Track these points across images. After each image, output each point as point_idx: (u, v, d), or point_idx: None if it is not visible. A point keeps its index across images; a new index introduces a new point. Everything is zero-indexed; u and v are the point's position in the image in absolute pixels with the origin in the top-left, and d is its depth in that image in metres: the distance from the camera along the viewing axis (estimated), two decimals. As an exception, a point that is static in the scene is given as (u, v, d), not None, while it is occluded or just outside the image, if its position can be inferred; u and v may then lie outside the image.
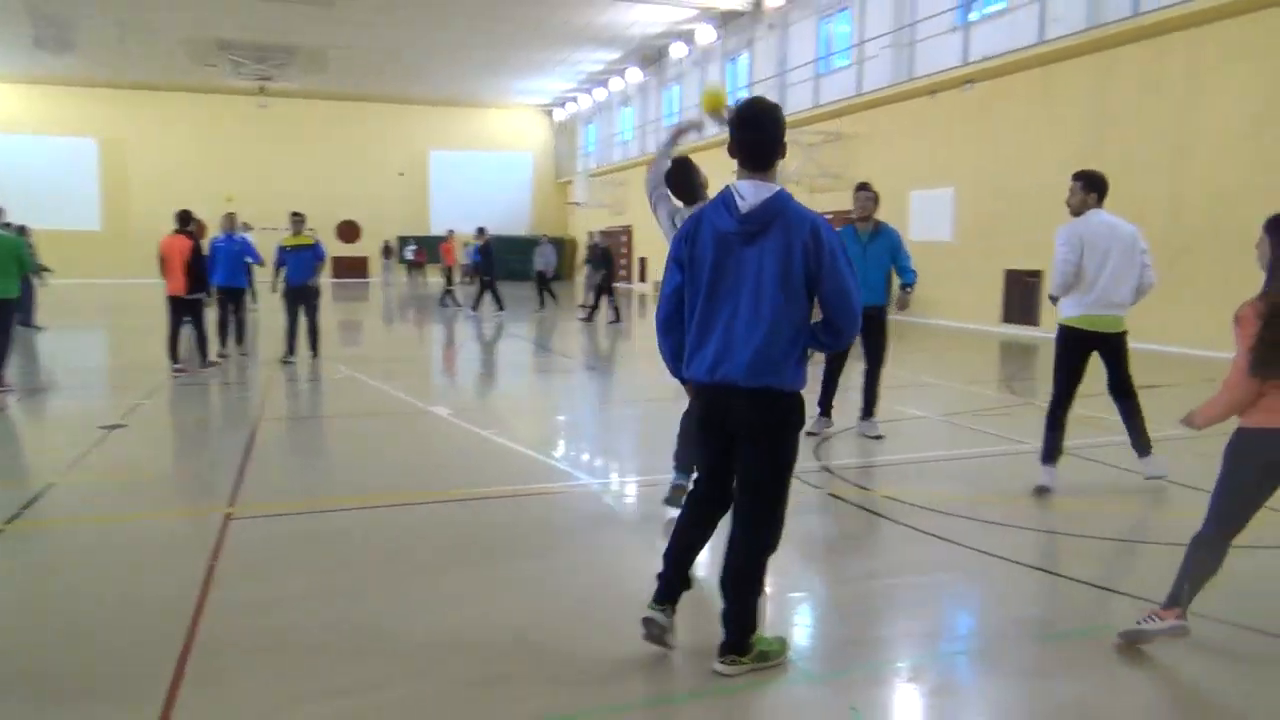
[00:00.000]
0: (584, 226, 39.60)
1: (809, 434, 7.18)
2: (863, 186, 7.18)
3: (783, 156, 3.29)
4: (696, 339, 3.25)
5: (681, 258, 3.27)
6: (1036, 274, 15.68)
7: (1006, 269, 16.32)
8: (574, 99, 40.27)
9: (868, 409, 7.28)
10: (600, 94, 37.60)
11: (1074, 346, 5.65)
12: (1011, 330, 16.04)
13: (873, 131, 19.91)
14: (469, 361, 13.66)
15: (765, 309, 3.11)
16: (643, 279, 34.24)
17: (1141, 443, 5.81)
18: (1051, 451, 5.67)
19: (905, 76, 19.21)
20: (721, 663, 3.25)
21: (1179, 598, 3.42)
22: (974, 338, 15.59)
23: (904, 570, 4.44)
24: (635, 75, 33.28)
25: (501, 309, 19.75)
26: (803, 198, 22.64)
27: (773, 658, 3.32)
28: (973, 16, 17.87)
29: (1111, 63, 14.25)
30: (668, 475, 6.24)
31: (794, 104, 23.81)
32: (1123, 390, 5.81)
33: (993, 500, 5.67)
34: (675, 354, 3.37)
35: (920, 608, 3.97)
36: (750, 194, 3.16)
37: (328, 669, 3.31)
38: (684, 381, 3.43)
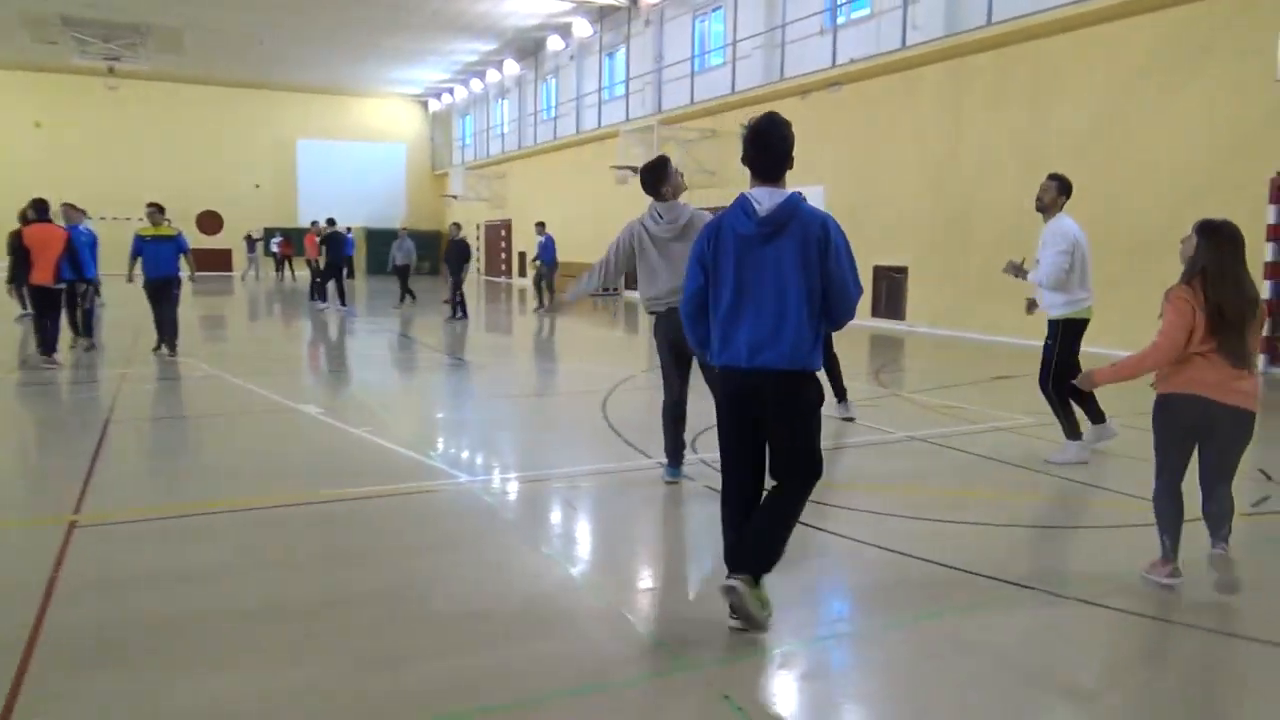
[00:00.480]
0: (463, 219, 38.97)
1: (846, 419, 7.78)
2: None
3: (791, 167, 3.65)
4: (725, 330, 3.58)
5: (705, 260, 3.61)
6: (903, 270, 16.36)
7: (875, 265, 16.96)
8: (449, 90, 39.53)
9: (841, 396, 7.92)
10: (476, 85, 37.03)
11: (1081, 334, 6.46)
12: (880, 324, 16.68)
13: (747, 130, 20.30)
14: (339, 358, 13.23)
15: (791, 300, 3.46)
16: (522, 274, 33.92)
17: (1088, 418, 6.58)
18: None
19: (777, 77, 19.68)
20: (736, 578, 3.43)
21: (1164, 550, 4.06)
22: (845, 332, 16.11)
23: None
24: (512, 68, 32.94)
25: (323, 300, 19.21)
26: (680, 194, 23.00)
27: (766, 608, 3.50)
28: (840, 20, 18.46)
29: (967, 69, 14.99)
30: (549, 471, 6.24)
31: (670, 101, 24.06)
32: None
33: (863, 488, 5.89)
34: (702, 343, 3.76)
35: (793, 595, 4.08)
36: (766, 199, 3.55)
37: (187, 692, 3.14)
38: (712, 367, 3.81)
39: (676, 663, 3.39)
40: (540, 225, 20.83)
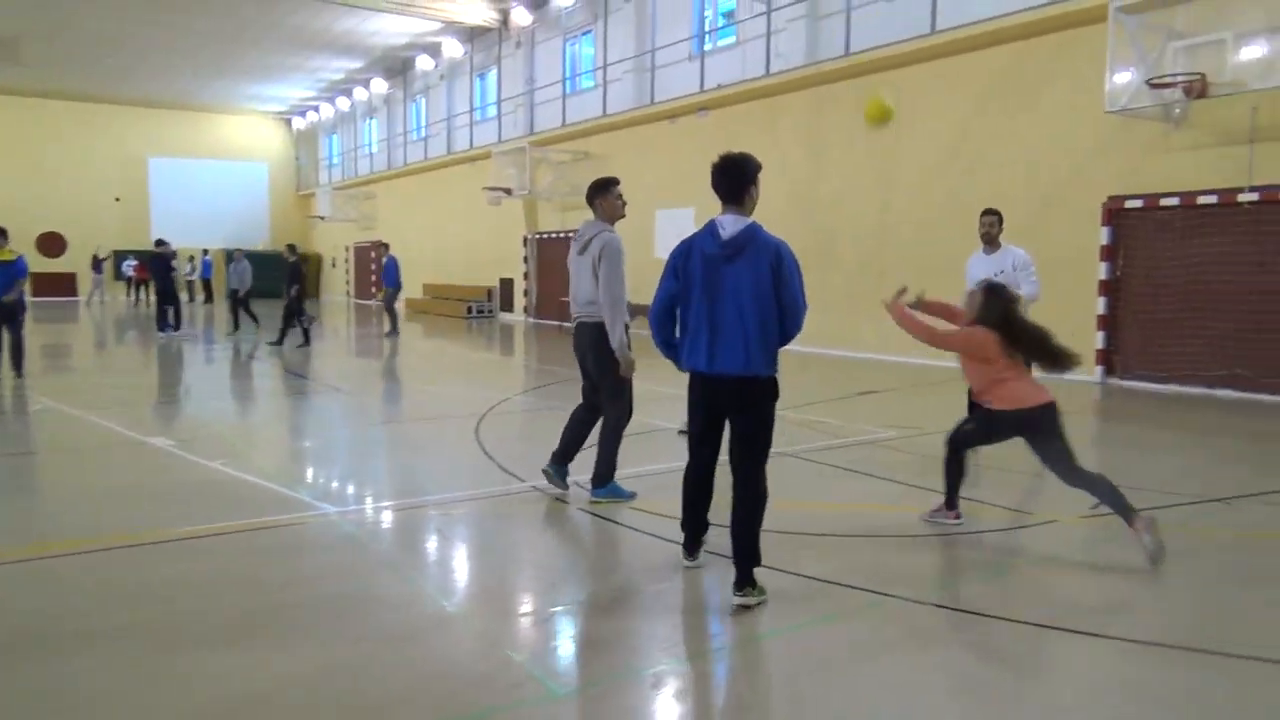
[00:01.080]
0: (333, 241, 37.79)
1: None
2: None
3: (753, 197, 4.18)
4: (693, 337, 4.13)
5: (678, 270, 4.18)
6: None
7: (744, 285, 17.36)
8: (315, 108, 38.41)
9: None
10: (343, 103, 36.11)
11: None
12: (750, 342, 17.04)
13: (618, 152, 20.53)
14: (191, 386, 12.56)
15: (746, 314, 4.00)
16: (393, 296, 33.11)
17: None
18: None
19: (647, 101, 19.99)
20: (739, 595, 4.02)
21: (950, 500, 5.31)
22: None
23: (647, 579, 4.55)
24: (380, 86, 32.30)
25: (162, 328, 18.24)
26: (554, 216, 23.00)
27: (762, 595, 4.08)
28: (707, 48, 18.93)
29: (827, 98, 15.60)
30: (420, 499, 6.08)
31: (542, 123, 24.10)
32: None
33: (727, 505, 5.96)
34: (666, 343, 4.34)
35: (659, 613, 4.10)
36: (730, 225, 4.10)
37: (13, 745, 2.89)
38: (678, 364, 4.33)
39: (549, 690, 3.34)
40: (383, 246, 20.28)
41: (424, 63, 28.80)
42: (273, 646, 3.66)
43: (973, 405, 7.01)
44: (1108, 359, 11.75)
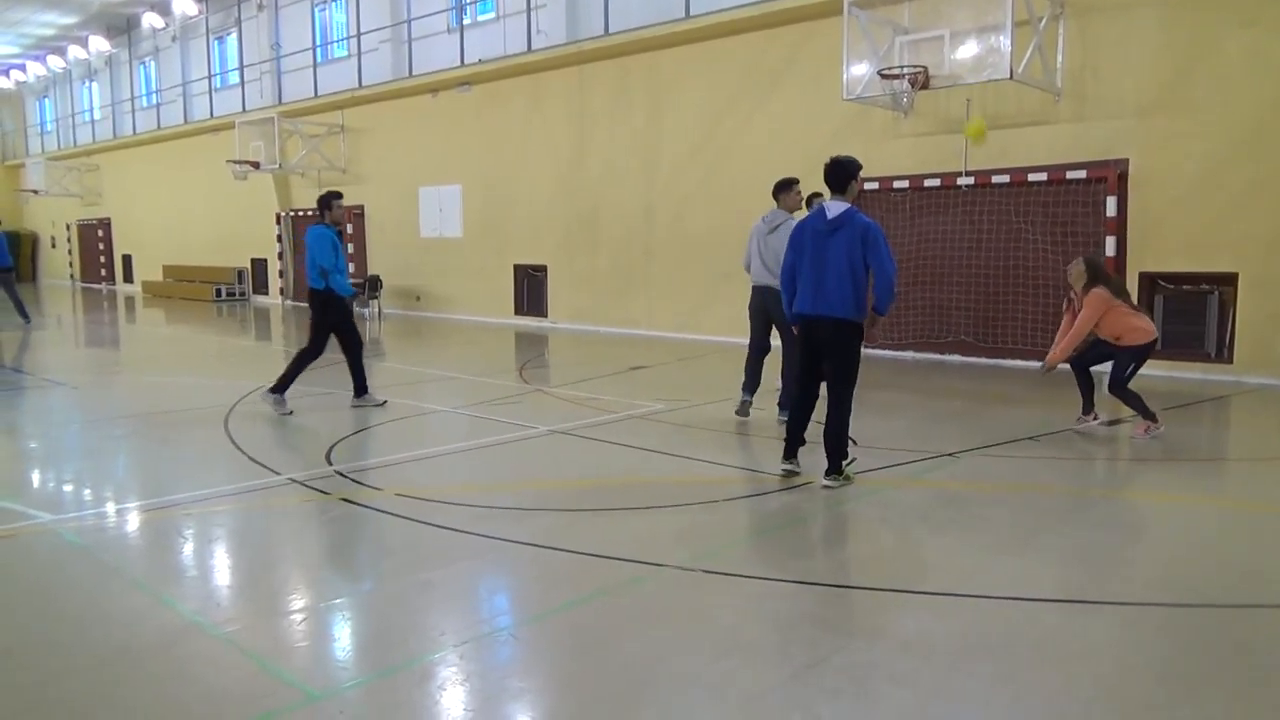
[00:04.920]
0: (48, 217, 33.69)
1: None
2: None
3: (853, 190, 5.61)
4: (804, 289, 5.57)
5: (796, 246, 5.66)
6: (542, 269, 16.76)
7: (515, 264, 17.21)
8: (20, 66, 33.81)
9: None
10: (56, 63, 32.03)
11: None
12: (524, 322, 16.95)
13: (377, 126, 19.64)
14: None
15: (844, 274, 5.42)
16: (129, 279, 29.98)
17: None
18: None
19: (406, 73, 19.24)
20: (828, 479, 5.53)
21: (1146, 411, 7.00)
22: (490, 331, 16.22)
23: (415, 568, 4.39)
24: (100, 45, 28.94)
25: None
26: (310, 192, 21.67)
27: (851, 478, 5.64)
28: (466, 21, 18.47)
29: (590, 76, 15.70)
30: (158, 500, 5.54)
31: (292, 93, 22.61)
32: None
33: (504, 487, 5.90)
34: (790, 301, 5.73)
35: (432, 603, 3.96)
36: (833, 209, 5.53)
37: None
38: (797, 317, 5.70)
39: (306, 693, 3.12)
40: None
41: (152, 20, 26.11)
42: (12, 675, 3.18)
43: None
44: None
